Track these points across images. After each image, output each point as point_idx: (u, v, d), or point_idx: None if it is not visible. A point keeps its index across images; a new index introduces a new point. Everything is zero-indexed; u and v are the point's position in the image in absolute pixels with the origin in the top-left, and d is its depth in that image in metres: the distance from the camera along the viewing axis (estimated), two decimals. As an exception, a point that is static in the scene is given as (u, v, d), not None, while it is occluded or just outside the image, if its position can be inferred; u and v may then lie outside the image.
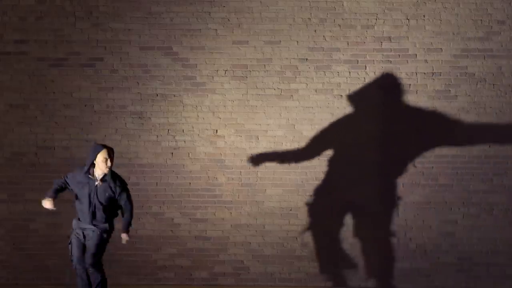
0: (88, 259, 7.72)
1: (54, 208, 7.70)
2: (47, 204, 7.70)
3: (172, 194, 9.47)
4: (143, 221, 9.44)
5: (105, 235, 7.76)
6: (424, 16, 9.43)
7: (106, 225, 7.74)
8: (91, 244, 7.71)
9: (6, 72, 9.46)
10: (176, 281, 9.47)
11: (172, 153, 9.48)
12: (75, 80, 9.46)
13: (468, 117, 9.41)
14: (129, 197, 7.80)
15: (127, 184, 7.85)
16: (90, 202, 7.67)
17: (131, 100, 9.47)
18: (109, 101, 9.47)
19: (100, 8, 9.46)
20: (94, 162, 7.66)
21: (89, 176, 7.68)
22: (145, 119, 9.47)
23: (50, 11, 9.46)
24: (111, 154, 7.67)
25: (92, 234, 7.71)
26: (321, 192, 9.40)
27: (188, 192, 9.46)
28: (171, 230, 9.48)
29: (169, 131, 9.48)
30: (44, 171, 9.41)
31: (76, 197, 7.76)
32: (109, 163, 7.63)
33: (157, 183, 9.44)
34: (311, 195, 9.41)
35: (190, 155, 9.48)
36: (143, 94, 9.47)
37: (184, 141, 9.47)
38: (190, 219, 9.47)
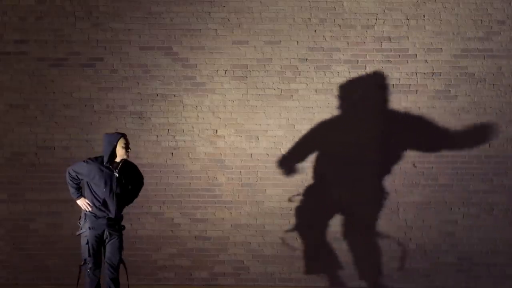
0: (116, 256, 7.73)
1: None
2: (84, 201, 7.69)
3: (172, 194, 9.47)
4: (143, 221, 9.44)
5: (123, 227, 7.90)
6: (424, 16, 9.43)
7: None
8: (116, 241, 7.72)
9: (6, 72, 9.46)
10: (176, 281, 9.47)
11: (172, 153, 9.48)
12: (75, 80, 9.46)
13: (468, 117, 9.41)
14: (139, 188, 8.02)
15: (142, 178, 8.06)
16: (111, 193, 7.68)
17: (131, 100, 9.47)
18: (109, 101, 9.47)
19: (100, 8, 9.46)
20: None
21: (109, 166, 7.65)
22: (145, 119, 9.47)
23: (50, 11, 9.46)
24: (128, 139, 7.74)
25: (116, 228, 7.74)
26: (321, 192, 9.40)
27: (188, 192, 9.46)
28: (171, 230, 9.47)
29: (169, 131, 9.48)
30: (44, 171, 9.42)
31: (91, 190, 7.68)
32: (129, 149, 7.71)
33: (157, 183, 9.44)
34: (311, 195, 9.41)
35: (190, 155, 9.48)
36: (143, 94, 9.47)
37: (184, 141, 9.47)
38: (190, 219, 9.47)
